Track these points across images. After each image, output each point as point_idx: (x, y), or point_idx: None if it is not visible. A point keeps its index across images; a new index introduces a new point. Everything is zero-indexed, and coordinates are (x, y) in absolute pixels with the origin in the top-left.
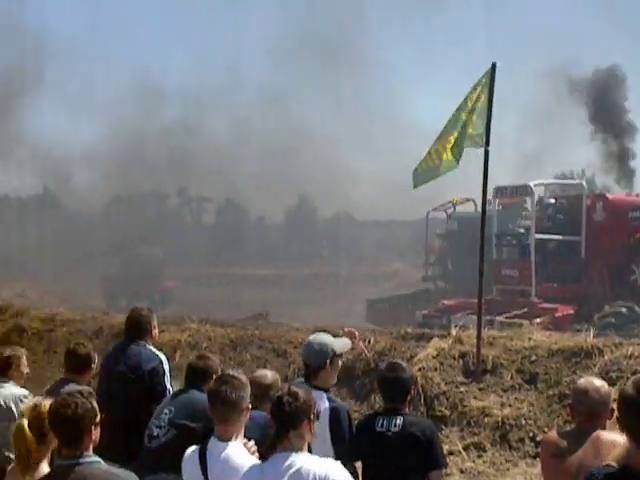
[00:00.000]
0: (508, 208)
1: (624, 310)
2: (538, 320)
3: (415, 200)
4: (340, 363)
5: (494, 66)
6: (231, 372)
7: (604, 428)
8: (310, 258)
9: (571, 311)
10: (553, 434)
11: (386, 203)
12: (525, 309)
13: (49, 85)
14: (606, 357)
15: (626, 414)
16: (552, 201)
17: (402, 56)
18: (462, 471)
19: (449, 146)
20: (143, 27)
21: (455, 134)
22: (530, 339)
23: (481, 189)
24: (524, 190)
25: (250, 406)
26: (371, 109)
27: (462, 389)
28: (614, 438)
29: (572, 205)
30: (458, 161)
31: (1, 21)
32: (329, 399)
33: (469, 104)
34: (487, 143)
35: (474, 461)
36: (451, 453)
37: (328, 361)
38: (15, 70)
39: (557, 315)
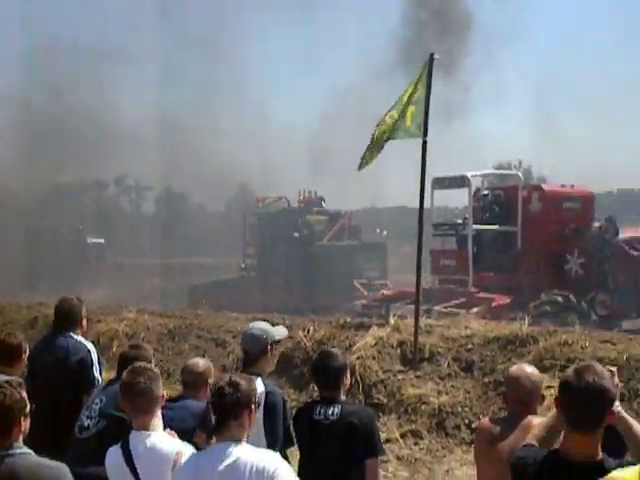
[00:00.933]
0: None
1: (560, 299)
2: (475, 310)
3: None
4: (277, 351)
5: (432, 57)
6: (141, 364)
7: (535, 414)
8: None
9: (507, 300)
10: (486, 421)
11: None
12: (463, 299)
13: None
14: (540, 345)
15: (566, 400)
16: (487, 192)
17: None
18: (399, 458)
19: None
20: None
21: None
22: (467, 327)
23: (419, 179)
24: (461, 181)
25: (165, 395)
26: None
27: (400, 377)
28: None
29: (508, 196)
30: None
31: None
32: (264, 384)
33: (406, 93)
34: (425, 134)
35: (411, 448)
36: (388, 441)
37: (269, 347)
38: None
39: (494, 305)
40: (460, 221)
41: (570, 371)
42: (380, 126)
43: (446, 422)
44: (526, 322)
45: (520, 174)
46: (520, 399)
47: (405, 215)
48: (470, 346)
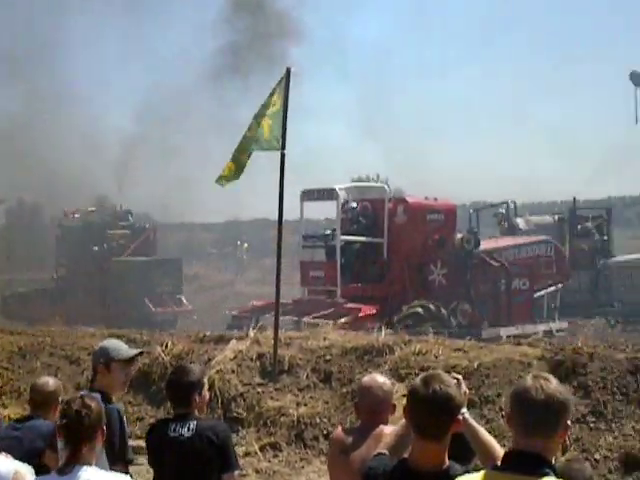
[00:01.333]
0: None
1: (420, 310)
2: (343, 320)
3: None
4: (122, 369)
5: (289, 71)
6: None
7: (387, 423)
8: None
9: (374, 311)
10: (339, 431)
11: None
12: (331, 309)
13: None
14: (396, 354)
15: (413, 408)
16: (355, 205)
17: None
18: (257, 471)
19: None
20: None
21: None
22: (325, 339)
23: (278, 191)
24: (330, 194)
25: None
26: None
27: (259, 390)
28: (393, 432)
29: (375, 208)
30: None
31: None
32: (103, 400)
33: (265, 106)
34: (283, 147)
35: (270, 461)
36: (247, 454)
37: (104, 365)
38: None
39: (360, 315)
40: (329, 232)
41: (417, 380)
42: (242, 141)
43: (305, 433)
44: (383, 332)
45: (386, 186)
46: (372, 408)
47: (267, 227)
48: (329, 357)
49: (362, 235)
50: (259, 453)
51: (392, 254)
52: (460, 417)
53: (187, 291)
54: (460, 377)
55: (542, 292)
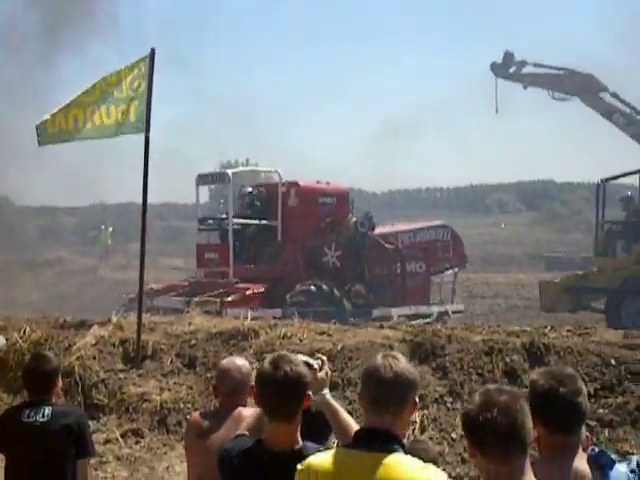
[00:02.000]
0: None
1: (312, 288)
2: (230, 298)
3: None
4: None
5: (153, 52)
6: None
7: (245, 405)
8: None
9: (261, 289)
10: (197, 415)
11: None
12: (221, 289)
13: None
14: (261, 338)
15: (262, 391)
16: (250, 189)
17: None
18: (119, 458)
19: (96, 119)
20: None
21: (104, 109)
22: (190, 324)
23: (142, 176)
24: (222, 177)
25: None
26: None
27: (121, 376)
28: (252, 413)
29: (269, 192)
30: (81, 138)
31: None
32: None
33: (124, 88)
34: (148, 129)
35: (131, 447)
36: (108, 441)
37: None
38: None
39: (247, 293)
40: (224, 216)
41: (265, 362)
42: (88, 114)
43: (168, 419)
44: (249, 317)
45: (279, 171)
46: (230, 391)
47: (133, 212)
48: (193, 342)
49: (257, 219)
50: (120, 440)
51: (286, 236)
52: (311, 396)
53: (50, 275)
54: (324, 358)
55: (440, 275)
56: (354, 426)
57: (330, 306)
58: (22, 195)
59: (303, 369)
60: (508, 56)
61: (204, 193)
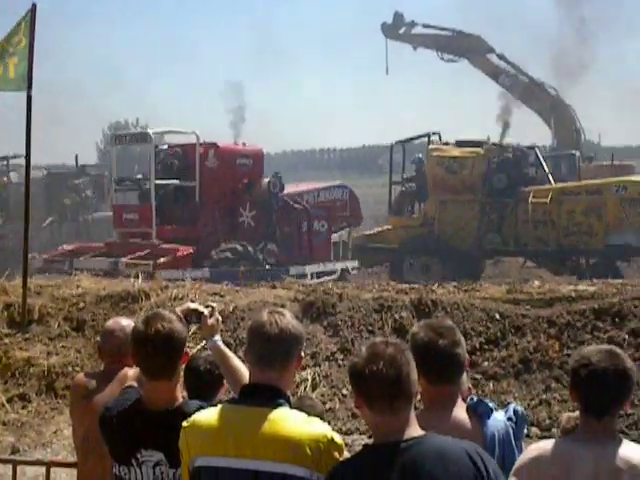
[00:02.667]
0: None
1: (229, 254)
2: (162, 260)
3: None
4: None
5: (34, 7)
6: None
7: (132, 366)
8: None
9: (190, 250)
10: (81, 376)
11: None
12: (147, 251)
13: None
14: (152, 300)
15: (137, 350)
16: (166, 147)
17: None
18: (4, 424)
19: None
20: None
21: None
22: (78, 287)
23: (25, 136)
24: (143, 137)
25: None
26: None
27: (7, 341)
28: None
29: (187, 153)
30: None
31: None
32: None
33: (4, 43)
34: (30, 87)
35: (18, 412)
36: None
37: None
38: None
39: (178, 255)
40: (140, 176)
41: (138, 321)
42: None
43: (56, 383)
44: (140, 279)
45: (197, 132)
46: (115, 351)
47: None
48: (82, 305)
49: (174, 179)
50: (6, 405)
51: (204, 197)
52: (187, 350)
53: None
54: (214, 304)
55: (338, 233)
56: (245, 372)
57: (250, 265)
58: None
59: (177, 325)
60: (398, 17)
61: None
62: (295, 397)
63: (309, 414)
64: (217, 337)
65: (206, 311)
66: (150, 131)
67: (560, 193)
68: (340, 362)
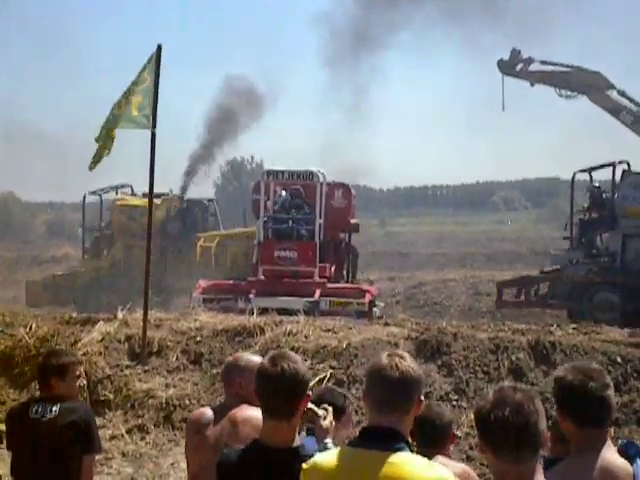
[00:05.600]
0: None
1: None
2: (366, 299)
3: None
4: None
5: (160, 48)
6: None
7: (251, 404)
8: None
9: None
10: (197, 411)
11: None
12: (318, 290)
13: None
14: (267, 335)
15: (261, 388)
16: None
17: None
18: (124, 454)
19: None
20: None
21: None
22: (196, 320)
23: (149, 171)
24: (308, 176)
25: None
26: None
27: (127, 372)
28: (249, 414)
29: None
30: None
31: None
32: None
33: (134, 85)
34: (154, 125)
35: (137, 443)
36: (114, 437)
37: None
38: None
39: (373, 294)
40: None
41: (265, 359)
42: (110, 119)
43: (173, 415)
44: (255, 314)
45: (323, 171)
46: (235, 386)
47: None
48: (199, 338)
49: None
50: (126, 436)
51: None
52: (310, 393)
53: (55, 272)
54: (330, 408)
55: None
56: None
57: None
58: (28, 191)
59: (302, 366)
60: (515, 53)
61: None
62: (425, 406)
63: (436, 422)
64: (328, 440)
65: (320, 412)
66: (315, 169)
67: None
68: (454, 402)
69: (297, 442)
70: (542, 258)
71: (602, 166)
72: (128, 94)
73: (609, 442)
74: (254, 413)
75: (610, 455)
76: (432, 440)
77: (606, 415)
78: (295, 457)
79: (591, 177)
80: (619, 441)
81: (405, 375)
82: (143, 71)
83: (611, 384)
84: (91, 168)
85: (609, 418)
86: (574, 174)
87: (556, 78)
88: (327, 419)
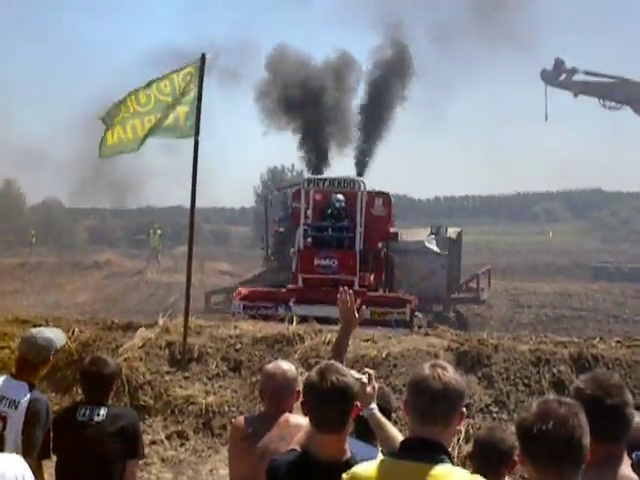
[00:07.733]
0: None
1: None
2: (410, 308)
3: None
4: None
5: (204, 57)
6: None
7: (291, 410)
8: (17, 246)
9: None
10: (240, 419)
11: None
12: (359, 299)
13: None
14: (306, 343)
15: (310, 401)
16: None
17: None
18: (163, 460)
19: (148, 126)
20: None
21: (154, 118)
22: (236, 327)
23: (191, 180)
24: (349, 183)
25: None
26: None
27: (167, 378)
28: (300, 422)
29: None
30: (139, 147)
31: None
32: (31, 390)
33: (177, 93)
34: (197, 133)
35: (176, 449)
36: (154, 442)
37: (50, 357)
38: None
39: (415, 303)
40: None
41: (312, 372)
42: (146, 124)
43: (213, 422)
44: (294, 322)
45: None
46: (275, 395)
47: (180, 215)
48: (239, 346)
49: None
50: (165, 442)
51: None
52: (358, 405)
53: (98, 277)
54: (372, 372)
55: None
56: (400, 439)
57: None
58: (72, 197)
59: (350, 379)
60: (559, 63)
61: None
62: (488, 429)
63: (499, 446)
64: (373, 405)
65: (364, 377)
66: (355, 177)
67: None
68: (495, 415)
69: (347, 454)
70: (584, 271)
71: None
72: (175, 105)
73: (625, 458)
74: (304, 421)
75: (625, 470)
76: (490, 464)
77: (623, 431)
78: (346, 469)
79: None
80: (633, 454)
81: (448, 387)
82: (187, 79)
83: (630, 400)
84: (104, 155)
85: (626, 434)
86: None
87: (600, 89)
88: (370, 384)
